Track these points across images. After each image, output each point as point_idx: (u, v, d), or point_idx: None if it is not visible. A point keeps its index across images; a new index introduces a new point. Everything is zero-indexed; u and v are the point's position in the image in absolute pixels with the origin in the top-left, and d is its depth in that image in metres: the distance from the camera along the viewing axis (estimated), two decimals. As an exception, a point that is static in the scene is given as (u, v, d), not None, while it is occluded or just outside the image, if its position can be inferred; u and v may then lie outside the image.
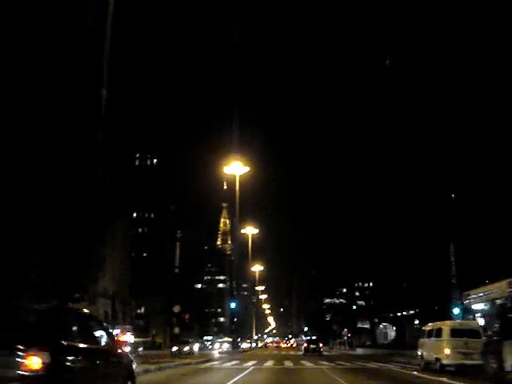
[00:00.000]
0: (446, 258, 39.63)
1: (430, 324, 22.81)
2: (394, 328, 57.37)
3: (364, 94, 67.39)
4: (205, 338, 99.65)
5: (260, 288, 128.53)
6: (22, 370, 5.69)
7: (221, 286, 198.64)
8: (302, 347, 50.86)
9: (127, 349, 28.19)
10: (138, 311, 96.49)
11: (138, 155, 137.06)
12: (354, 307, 70.34)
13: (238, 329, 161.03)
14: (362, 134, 66.03)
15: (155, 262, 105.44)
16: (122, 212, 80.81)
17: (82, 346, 7.05)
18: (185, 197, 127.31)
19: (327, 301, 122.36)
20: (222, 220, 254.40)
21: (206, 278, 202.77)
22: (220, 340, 72.96)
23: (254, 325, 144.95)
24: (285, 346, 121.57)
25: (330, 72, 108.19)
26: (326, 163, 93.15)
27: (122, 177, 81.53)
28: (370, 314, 55.89)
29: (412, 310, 47.19)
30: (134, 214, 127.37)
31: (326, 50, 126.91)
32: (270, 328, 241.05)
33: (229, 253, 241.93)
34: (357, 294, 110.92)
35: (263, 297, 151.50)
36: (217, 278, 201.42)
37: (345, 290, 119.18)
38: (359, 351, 52.38)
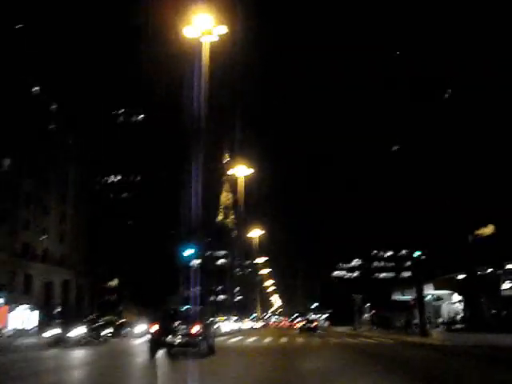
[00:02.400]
0: None
1: None
2: (460, 298, 36.12)
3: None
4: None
5: (262, 260, 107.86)
6: (191, 330, 16.48)
7: (221, 262, 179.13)
8: (298, 326, 57.36)
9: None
10: (110, 283, 75.87)
11: (122, 111, 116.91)
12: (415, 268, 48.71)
13: (242, 307, 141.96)
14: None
15: (136, 230, 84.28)
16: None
17: (207, 321, 19.21)
18: (178, 161, 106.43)
19: (338, 273, 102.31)
20: (224, 193, 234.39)
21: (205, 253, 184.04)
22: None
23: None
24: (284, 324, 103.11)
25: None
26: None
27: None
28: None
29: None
30: (119, 177, 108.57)
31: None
32: (275, 307, 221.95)
33: (231, 228, 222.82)
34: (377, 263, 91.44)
35: (266, 271, 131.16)
36: (217, 253, 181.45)
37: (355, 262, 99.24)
38: (439, 337, 29.12)
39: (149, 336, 17.53)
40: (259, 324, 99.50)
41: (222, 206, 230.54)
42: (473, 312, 32.24)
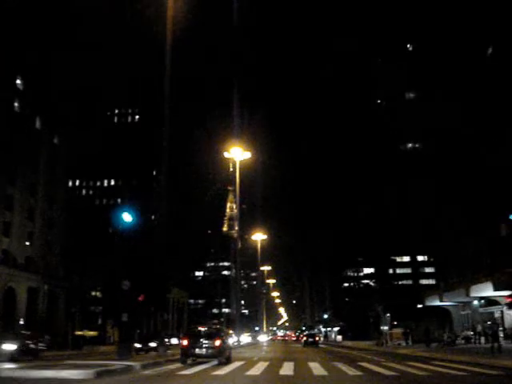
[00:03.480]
0: None
1: None
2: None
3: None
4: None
5: (266, 268, 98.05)
6: (214, 344, 19.36)
7: (226, 273, 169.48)
8: (302, 340, 56.34)
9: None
10: (93, 293, 66.20)
11: (116, 111, 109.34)
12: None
13: (248, 321, 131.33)
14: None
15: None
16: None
17: (224, 336, 21.65)
18: (178, 164, 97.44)
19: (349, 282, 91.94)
20: (229, 205, 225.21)
21: (209, 264, 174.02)
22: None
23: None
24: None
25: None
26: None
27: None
28: None
29: None
30: (112, 182, 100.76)
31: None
32: (282, 320, 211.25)
33: (236, 238, 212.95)
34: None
35: (271, 282, 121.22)
36: (221, 264, 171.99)
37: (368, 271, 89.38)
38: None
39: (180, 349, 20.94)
40: (265, 338, 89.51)
41: (226, 217, 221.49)
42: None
